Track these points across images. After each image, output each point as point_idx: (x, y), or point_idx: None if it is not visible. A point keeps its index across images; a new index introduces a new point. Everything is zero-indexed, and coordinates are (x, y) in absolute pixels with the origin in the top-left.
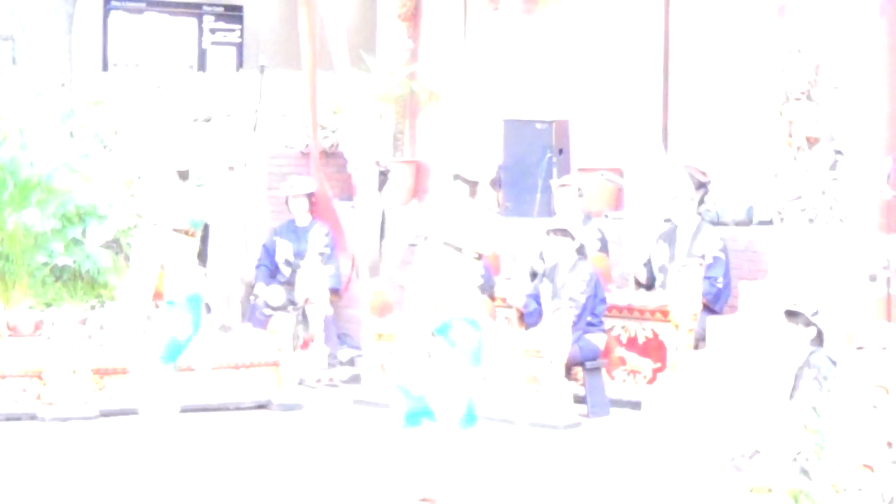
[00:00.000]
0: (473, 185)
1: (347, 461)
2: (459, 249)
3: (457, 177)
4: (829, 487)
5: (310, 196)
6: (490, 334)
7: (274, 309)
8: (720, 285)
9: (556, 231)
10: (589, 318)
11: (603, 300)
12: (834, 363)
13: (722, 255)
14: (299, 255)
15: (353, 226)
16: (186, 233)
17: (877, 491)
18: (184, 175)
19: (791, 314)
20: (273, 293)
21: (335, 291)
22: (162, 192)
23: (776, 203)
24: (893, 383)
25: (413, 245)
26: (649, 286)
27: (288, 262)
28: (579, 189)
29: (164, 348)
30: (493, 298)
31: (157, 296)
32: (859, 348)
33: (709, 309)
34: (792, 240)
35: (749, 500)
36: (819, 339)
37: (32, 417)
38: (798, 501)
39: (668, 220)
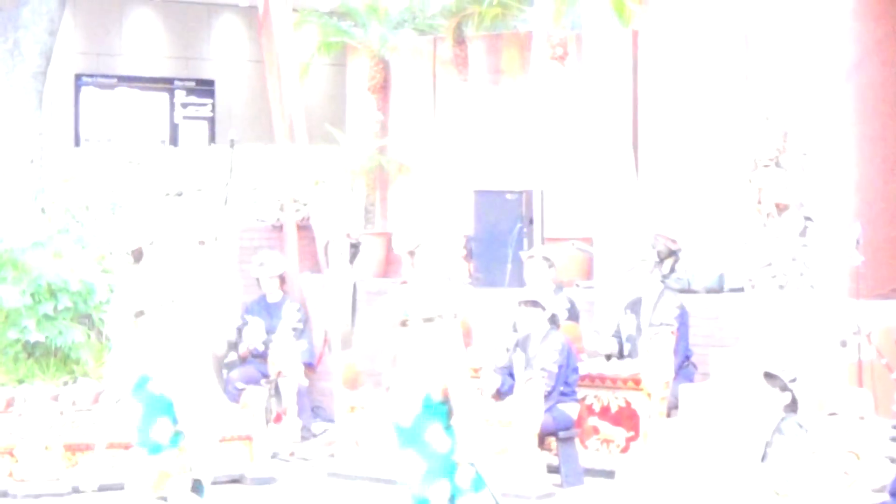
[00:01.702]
0: (410, 254)
1: None
2: (436, 317)
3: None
4: None
5: (281, 274)
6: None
7: (247, 382)
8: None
9: (527, 302)
10: (562, 388)
11: (575, 370)
12: (804, 430)
13: (672, 322)
14: (271, 330)
15: (325, 299)
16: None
17: None
18: (137, 255)
19: (770, 377)
20: (254, 330)
21: (309, 366)
22: (127, 273)
23: (747, 270)
24: (864, 449)
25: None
26: (619, 356)
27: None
28: (548, 259)
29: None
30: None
31: None
32: (831, 414)
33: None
34: (763, 307)
35: None
36: (793, 406)
37: (4, 494)
38: None
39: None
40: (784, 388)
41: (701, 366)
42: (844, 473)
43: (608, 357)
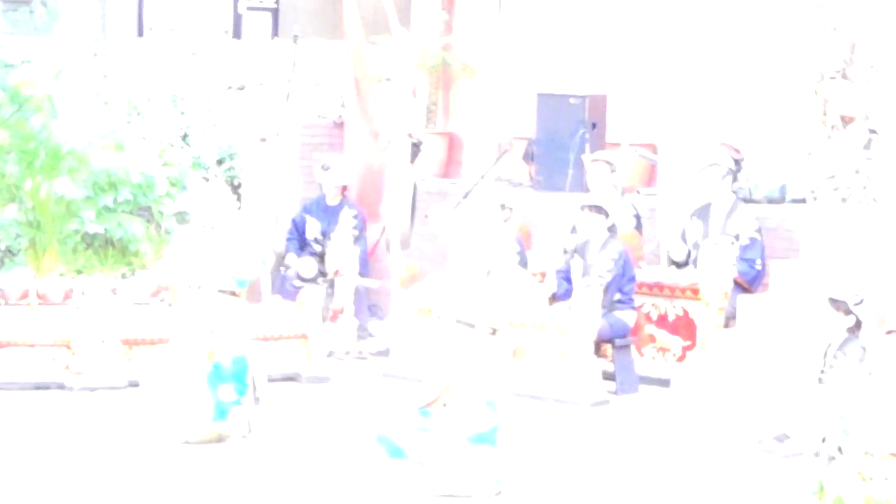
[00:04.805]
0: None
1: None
2: (472, 326)
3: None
4: (856, 476)
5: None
6: (505, 416)
7: (304, 281)
8: (759, 267)
9: (590, 207)
10: (618, 296)
11: (632, 279)
12: (866, 351)
13: (758, 236)
14: (328, 233)
15: (385, 198)
16: (233, 293)
17: None
18: (226, 238)
19: (834, 301)
20: (305, 264)
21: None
22: (204, 254)
23: (809, 181)
24: None
25: (427, 217)
26: (685, 263)
27: (317, 240)
28: (610, 164)
29: (213, 411)
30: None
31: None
32: (889, 332)
33: (746, 289)
34: (825, 219)
35: (776, 479)
36: (857, 328)
37: (61, 387)
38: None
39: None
40: (848, 312)
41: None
42: None
43: (679, 265)
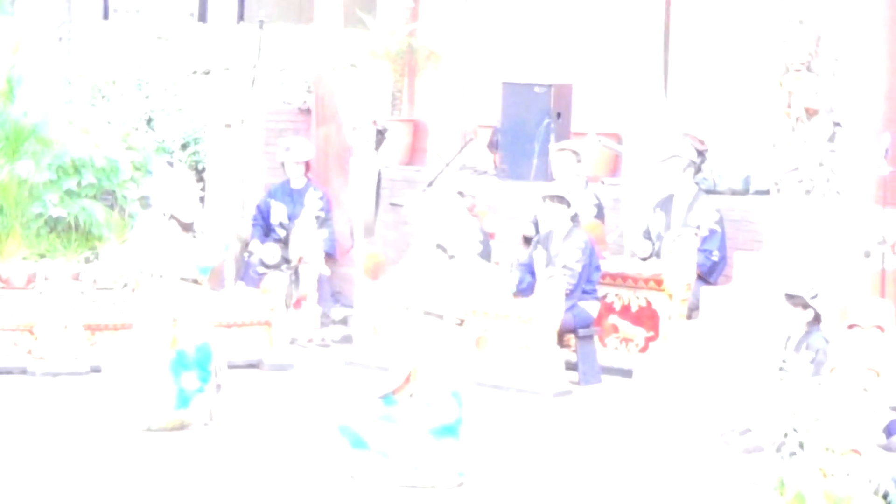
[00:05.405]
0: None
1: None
2: (441, 317)
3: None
4: (816, 472)
5: (306, 160)
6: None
7: (268, 267)
8: (715, 258)
9: (552, 197)
10: (583, 286)
11: (597, 268)
12: (829, 343)
13: (718, 228)
14: (293, 217)
15: (349, 185)
16: (195, 281)
17: (864, 476)
18: (187, 227)
19: (791, 297)
20: (268, 251)
21: (329, 255)
22: (166, 242)
23: (773, 173)
24: (884, 366)
25: (394, 205)
26: (649, 257)
27: (282, 225)
28: (577, 153)
29: (175, 399)
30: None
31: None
32: (851, 326)
33: (703, 280)
34: (788, 211)
35: (737, 473)
36: (817, 321)
37: (23, 372)
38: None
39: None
40: (806, 306)
41: (724, 270)
42: (863, 390)
43: (645, 259)
